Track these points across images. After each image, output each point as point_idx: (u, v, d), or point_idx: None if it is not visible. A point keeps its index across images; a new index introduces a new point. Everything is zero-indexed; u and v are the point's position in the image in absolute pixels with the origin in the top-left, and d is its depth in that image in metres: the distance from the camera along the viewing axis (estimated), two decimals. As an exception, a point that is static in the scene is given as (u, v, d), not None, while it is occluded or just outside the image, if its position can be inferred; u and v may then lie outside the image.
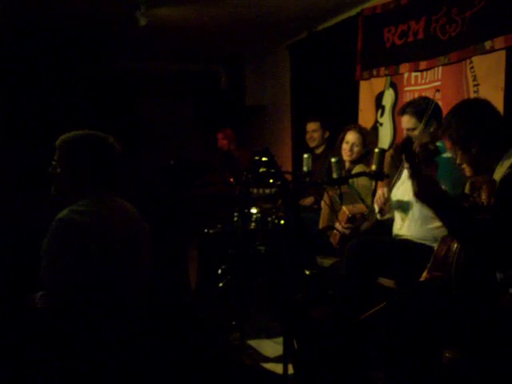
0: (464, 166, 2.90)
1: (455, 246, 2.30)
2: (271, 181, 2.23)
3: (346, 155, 4.20)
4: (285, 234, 2.48)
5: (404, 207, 3.37)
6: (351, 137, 4.22)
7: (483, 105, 2.42)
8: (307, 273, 2.16)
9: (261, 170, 2.21)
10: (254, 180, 3.35)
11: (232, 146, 6.27)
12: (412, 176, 2.21)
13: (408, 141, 2.35)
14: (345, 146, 4.23)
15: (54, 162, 2.39)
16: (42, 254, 2.24)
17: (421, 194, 2.19)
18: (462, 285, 2.21)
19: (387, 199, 3.34)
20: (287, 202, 2.18)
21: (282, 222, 3.37)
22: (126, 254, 2.35)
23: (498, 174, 2.22)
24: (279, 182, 2.20)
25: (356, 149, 4.19)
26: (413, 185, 2.21)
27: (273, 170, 2.19)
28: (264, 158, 2.19)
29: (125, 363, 2.28)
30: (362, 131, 4.24)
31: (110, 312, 2.28)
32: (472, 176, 2.59)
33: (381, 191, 3.40)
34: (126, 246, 2.36)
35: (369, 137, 4.28)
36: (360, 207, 3.73)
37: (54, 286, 2.22)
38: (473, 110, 2.39)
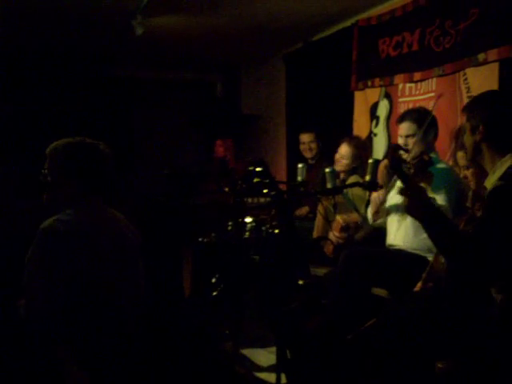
0: (469, 179, 2.91)
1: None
2: (265, 191, 2.23)
3: (336, 165, 4.26)
4: (278, 243, 2.49)
5: (397, 217, 3.39)
6: (342, 149, 4.28)
7: (509, 98, 2.35)
8: (300, 282, 2.17)
9: (255, 180, 2.22)
10: (248, 189, 3.36)
11: (228, 156, 6.28)
12: (404, 190, 2.21)
13: (396, 158, 2.34)
14: (337, 157, 4.30)
15: (44, 171, 2.35)
16: (25, 263, 2.19)
17: (411, 207, 2.18)
18: (452, 295, 2.22)
19: (382, 202, 3.35)
20: (281, 211, 2.19)
21: (276, 231, 3.39)
22: (113, 264, 2.30)
23: (489, 182, 2.22)
24: (273, 192, 2.21)
25: (344, 161, 4.24)
26: (404, 198, 2.20)
27: (267, 180, 2.19)
28: (258, 168, 2.20)
29: (115, 374, 2.26)
30: (353, 144, 4.28)
31: (97, 324, 2.25)
32: (476, 187, 2.59)
33: (376, 194, 3.41)
34: (114, 255, 2.31)
35: (362, 150, 4.31)
36: (353, 216, 3.76)
37: (32, 297, 2.18)
38: (497, 100, 2.33)
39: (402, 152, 3.32)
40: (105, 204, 2.41)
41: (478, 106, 2.30)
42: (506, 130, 2.24)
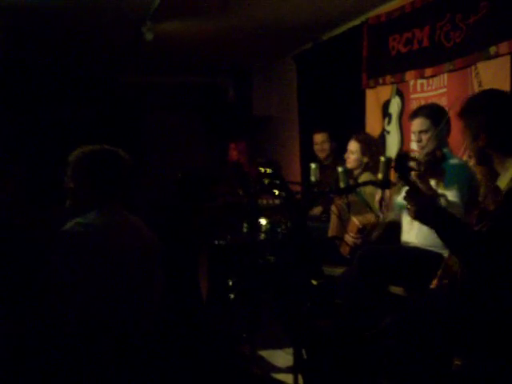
0: (476, 171, 2.88)
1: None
2: (276, 192, 2.24)
3: (347, 163, 4.26)
4: (291, 244, 2.48)
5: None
6: (350, 146, 4.29)
7: (504, 100, 2.30)
8: (314, 283, 2.17)
9: (265, 181, 2.22)
10: (262, 191, 3.37)
11: (242, 159, 6.29)
12: (408, 195, 2.18)
13: (402, 157, 2.33)
14: (346, 154, 4.32)
15: (66, 178, 2.42)
16: (44, 265, 2.24)
17: (419, 213, 2.16)
18: (467, 292, 2.20)
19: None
20: (292, 212, 2.19)
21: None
22: (133, 270, 2.33)
23: (502, 181, 2.19)
24: (283, 193, 2.22)
25: (352, 157, 4.25)
26: (410, 204, 2.18)
27: (277, 181, 2.20)
28: (268, 170, 2.21)
29: (133, 377, 2.28)
30: (361, 140, 4.26)
31: (114, 330, 2.27)
32: (482, 178, 2.56)
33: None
34: (134, 260, 2.34)
35: (372, 145, 4.29)
36: (369, 217, 3.73)
37: (52, 298, 2.21)
38: (491, 103, 2.28)
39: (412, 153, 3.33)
40: (125, 210, 2.46)
41: (473, 113, 2.26)
42: (508, 132, 2.19)
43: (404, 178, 2.20)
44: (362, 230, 3.61)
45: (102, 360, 2.21)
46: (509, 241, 1.99)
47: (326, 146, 5.11)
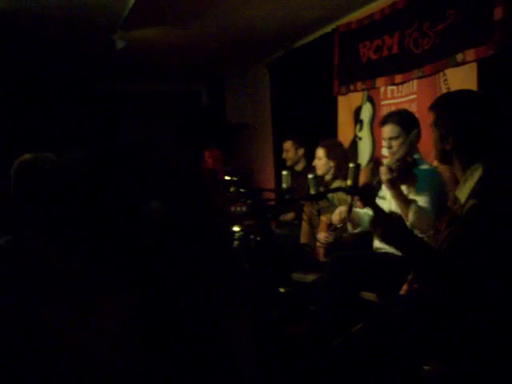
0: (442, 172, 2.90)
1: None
2: (242, 200, 2.24)
3: (316, 170, 4.27)
4: (257, 252, 2.48)
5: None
6: (317, 152, 4.31)
7: (479, 105, 2.26)
8: (282, 290, 2.16)
9: (231, 189, 2.22)
10: (230, 199, 3.36)
11: (217, 166, 6.28)
12: (374, 221, 2.19)
13: (367, 188, 2.34)
14: (315, 162, 4.33)
15: (12, 186, 2.40)
16: None
17: (385, 236, 2.18)
18: (437, 297, 2.21)
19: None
20: (259, 219, 2.18)
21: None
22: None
23: (462, 193, 2.17)
24: (249, 201, 2.21)
25: (320, 162, 4.26)
26: (376, 228, 2.18)
27: (243, 190, 2.19)
28: (234, 178, 2.20)
29: None
30: (325, 145, 4.30)
31: None
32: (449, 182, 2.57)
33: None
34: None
35: (336, 148, 4.31)
36: (337, 212, 3.74)
37: None
38: (466, 107, 2.22)
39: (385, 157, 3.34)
40: None
41: (446, 112, 2.22)
42: (476, 140, 2.18)
43: (370, 205, 2.21)
44: (332, 226, 3.62)
45: None
46: (472, 261, 2.00)
47: (289, 154, 5.11)
